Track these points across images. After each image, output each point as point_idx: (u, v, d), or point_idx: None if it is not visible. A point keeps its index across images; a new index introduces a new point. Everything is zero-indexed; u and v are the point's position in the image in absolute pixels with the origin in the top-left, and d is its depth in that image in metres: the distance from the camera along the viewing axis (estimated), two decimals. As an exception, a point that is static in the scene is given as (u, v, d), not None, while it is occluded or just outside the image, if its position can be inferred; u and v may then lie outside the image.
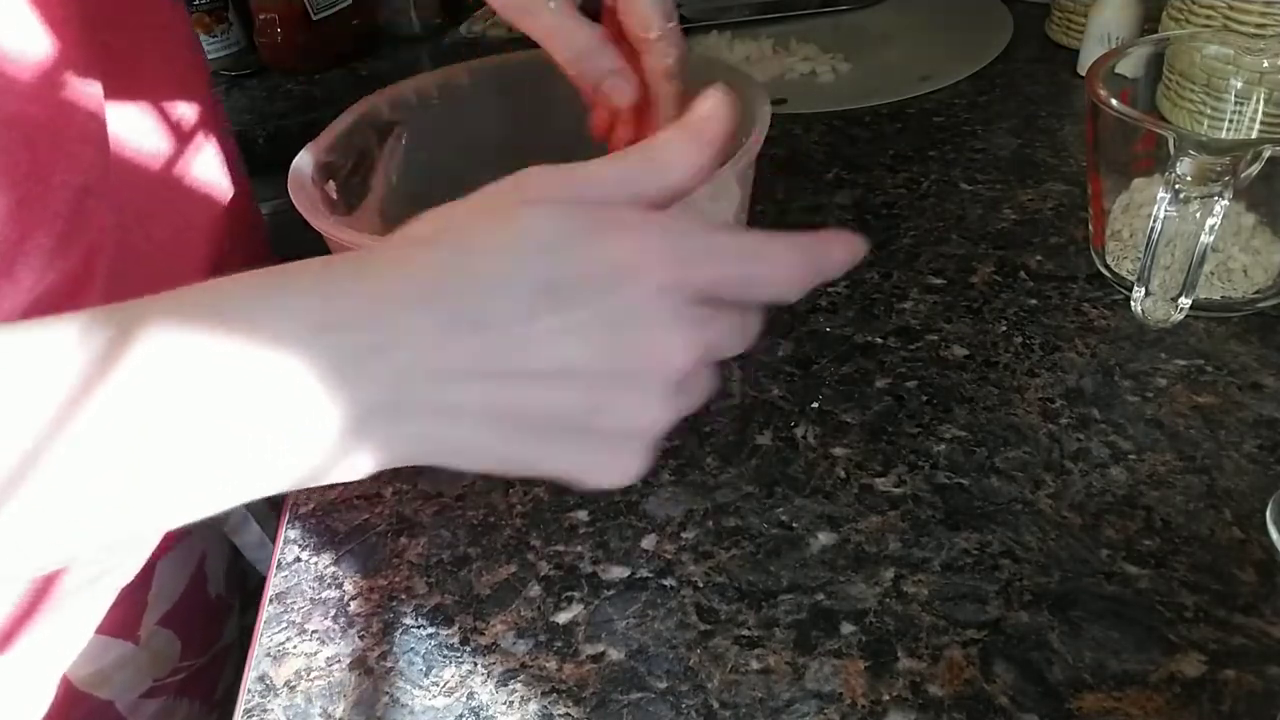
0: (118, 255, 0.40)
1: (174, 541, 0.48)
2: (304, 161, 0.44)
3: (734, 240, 0.28)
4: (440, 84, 0.50)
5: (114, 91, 0.40)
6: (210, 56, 0.93)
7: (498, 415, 0.26)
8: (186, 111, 0.46)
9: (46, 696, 0.43)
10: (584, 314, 0.25)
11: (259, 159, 0.80)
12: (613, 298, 0.25)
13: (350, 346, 0.24)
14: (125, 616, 0.46)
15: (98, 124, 0.39)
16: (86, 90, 0.38)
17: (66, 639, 0.44)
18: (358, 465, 0.25)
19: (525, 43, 0.47)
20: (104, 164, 0.40)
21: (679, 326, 0.26)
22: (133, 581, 0.45)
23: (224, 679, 0.54)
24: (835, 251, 0.29)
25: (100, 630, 0.45)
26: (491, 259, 0.25)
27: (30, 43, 0.36)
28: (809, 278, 0.29)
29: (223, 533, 0.53)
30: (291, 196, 0.41)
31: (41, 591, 0.41)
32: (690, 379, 0.27)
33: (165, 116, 0.45)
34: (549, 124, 0.50)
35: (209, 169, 0.48)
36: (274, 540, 0.53)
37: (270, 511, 0.55)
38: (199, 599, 0.51)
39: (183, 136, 0.46)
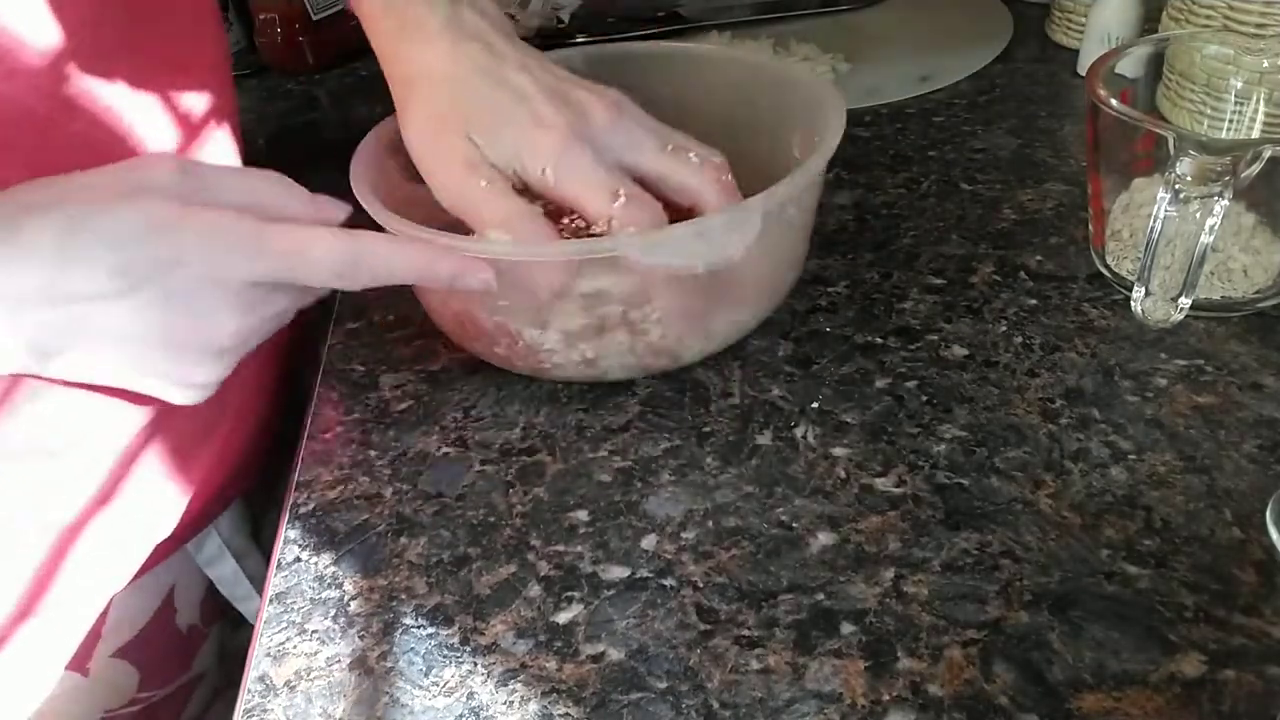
0: None
1: (139, 574, 0.47)
2: (377, 136, 0.45)
3: (279, 239, 0.34)
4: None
5: (137, 80, 0.40)
6: (210, 56, 0.93)
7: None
8: (207, 110, 0.46)
9: None
10: (142, 296, 0.33)
11: (259, 159, 0.80)
12: (165, 286, 0.33)
13: None
14: (77, 649, 0.45)
15: (113, 122, 0.39)
16: (103, 88, 0.38)
17: (35, 673, 0.43)
18: None
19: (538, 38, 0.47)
20: (117, 151, 0.39)
21: (221, 312, 0.34)
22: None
23: (191, 709, 0.53)
24: (387, 255, 0.36)
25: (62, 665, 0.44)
26: (86, 244, 0.32)
27: (44, 33, 0.36)
28: (355, 275, 0.36)
29: (196, 565, 0.52)
30: (351, 177, 0.42)
31: (12, 622, 0.41)
32: (239, 349, 0.36)
33: (187, 114, 0.45)
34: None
35: (224, 160, 0.48)
36: (253, 577, 0.53)
37: (253, 546, 0.54)
38: (164, 631, 0.50)
39: (199, 128, 0.46)
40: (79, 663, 0.46)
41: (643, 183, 0.40)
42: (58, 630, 0.44)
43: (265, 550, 0.55)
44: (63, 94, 0.37)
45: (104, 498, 0.42)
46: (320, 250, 0.35)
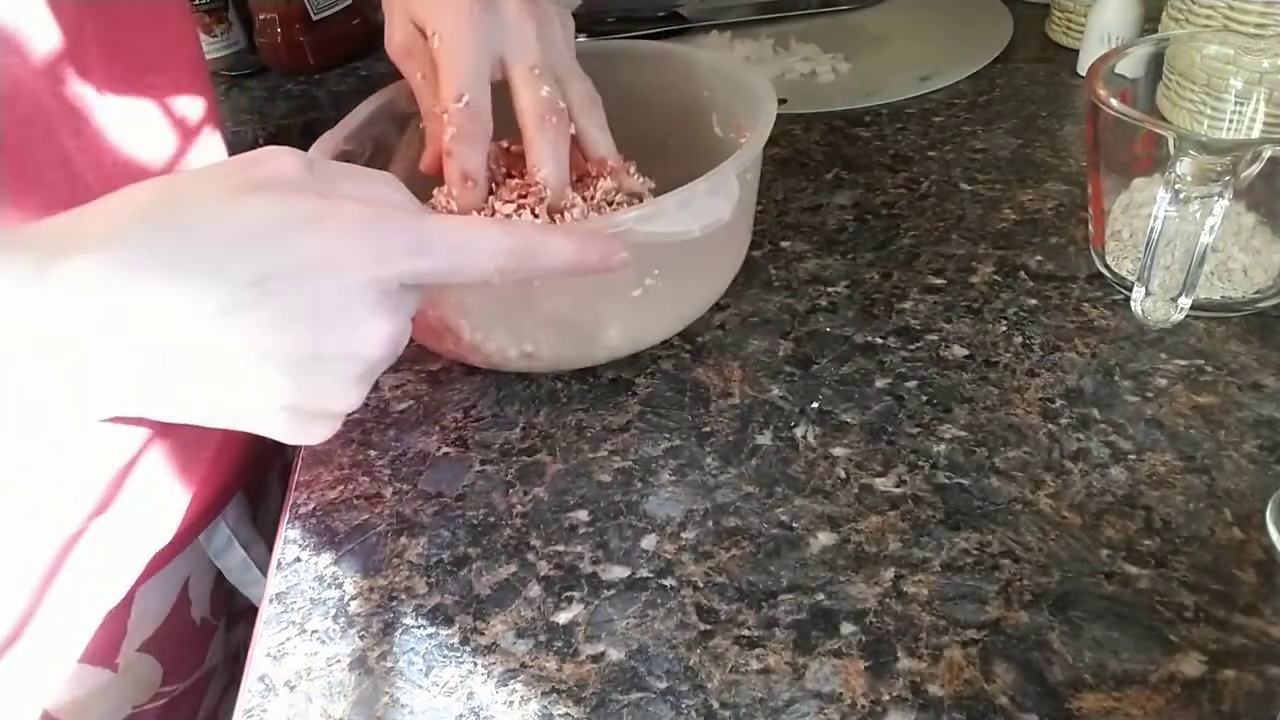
0: None
1: (157, 566, 0.47)
2: (321, 149, 0.44)
3: (442, 234, 0.30)
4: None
5: (117, 87, 0.40)
6: (210, 56, 0.93)
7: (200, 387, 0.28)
8: (188, 109, 0.46)
9: None
10: (286, 306, 0.27)
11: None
12: (313, 291, 0.28)
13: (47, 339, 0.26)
14: (104, 644, 0.45)
15: (99, 120, 0.39)
16: (89, 84, 0.38)
17: (51, 666, 0.43)
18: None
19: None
20: (99, 163, 0.40)
21: (374, 318, 0.29)
22: (112, 609, 0.45)
23: (206, 703, 0.54)
24: (553, 246, 0.33)
25: (79, 659, 0.44)
26: (204, 248, 0.26)
27: (41, 32, 0.36)
28: (519, 271, 0.32)
29: (207, 556, 0.52)
30: None
31: (22, 623, 0.41)
32: (384, 362, 0.31)
33: (167, 113, 0.45)
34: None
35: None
36: (260, 564, 0.53)
37: (257, 535, 0.54)
38: (182, 623, 0.51)
39: (183, 134, 0.46)
40: (108, 658, 0.46)
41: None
42: (65, 632, 0.44)
43: (267, 536, 0.55)
44: (64, 89, 0.37)
45: (106, 504, 0.42)
46: (487, 243, 0.31)
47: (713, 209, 0.38)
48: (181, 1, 0.48)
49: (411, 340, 0.49)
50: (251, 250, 0.27)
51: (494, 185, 0.44)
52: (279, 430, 0.30)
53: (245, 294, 0.27)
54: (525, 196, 0.42)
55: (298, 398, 0.29)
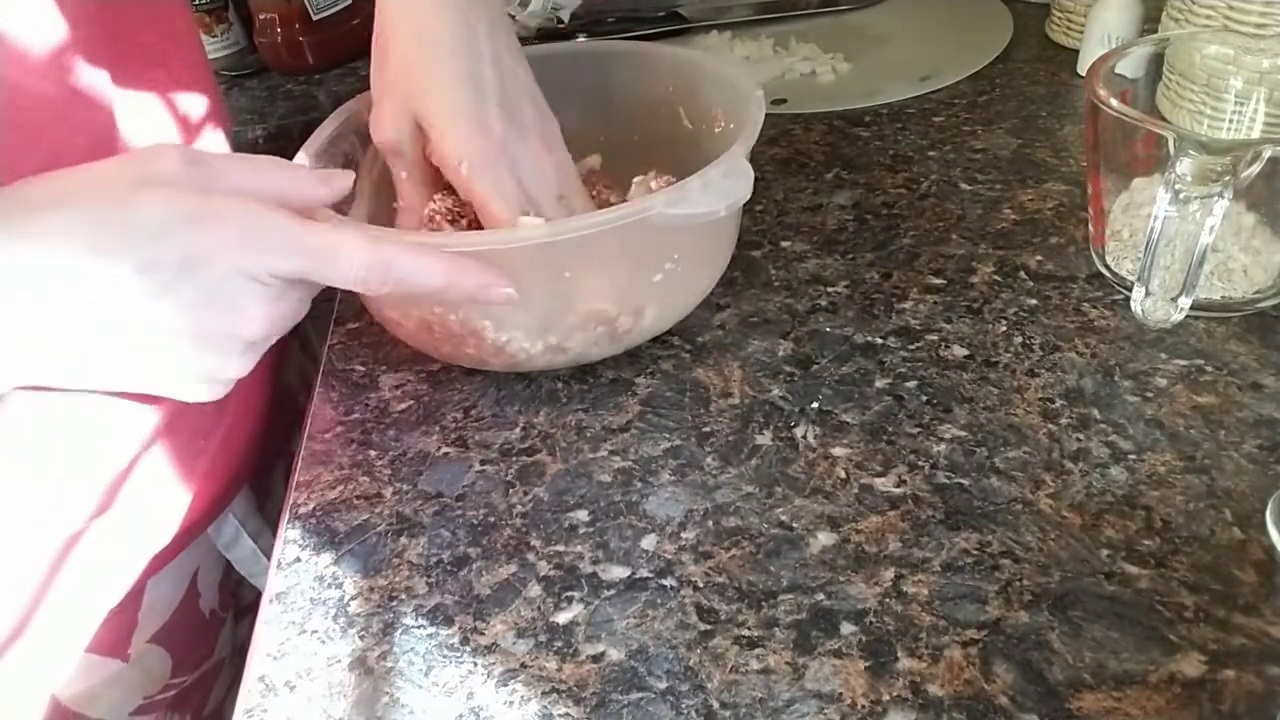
0: None
1: (167, 558, 0.47)
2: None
3: (313, 237, 0.34)
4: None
5: (119, 81, 0.40)
6: (210, 56, 0.93)
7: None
8: (189, 105, 0.46)
9: (35, 717, 0.43)
10: (171, 292, 0.32)
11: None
12: (200, 276, 0.32)
13: None
14: (115, 635, 0.45)
15: (105, 113, 0.39)
16: (95, 77, 0.38)
17: (56, 658, 0.43)
18: None
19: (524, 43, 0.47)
20: (105, 148, 0.40)
21: (251, 304, 0.34)
22: (123, 600, 0.45)
23: (215, 694, 0.54)
24: (419, 265, 0.36)
25: (89, 649, 0.44)
26: (103, 238, 0.31)
27: (44, 27, 0.36)
28: (381, 284, 0.35)
29: (215, 547, 0.52)
30: None
31: (30, 610, 0.41)
32: (267, 339, 0.36)
33: (169, 109, 0.45)
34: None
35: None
36: (269, 553, 0.54)
37: (264, 526, 0.55)
38: (191, 615, 0.51)
39: (185, 130, 0.46)
40: (119, 649, 0.46)
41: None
42: (70, 626, 0.44)
43: (274, 527, 0.55)
44: (68, 84, 0.37)
45: (109, 501, 0.42)
46: (350, 253, 0.34)
47: (733, 189, 0.40)
48: (181, 5, 0.48)
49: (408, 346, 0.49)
50: (140, 245, 0.31)
51: None
52: (181, 391, 0.36)
53: (138, 282, 0.31)
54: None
55: (194, 367, 0.35)
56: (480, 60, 0.43)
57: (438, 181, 0.45)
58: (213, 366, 0.35)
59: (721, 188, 0.40)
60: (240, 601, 0.56)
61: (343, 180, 0.38)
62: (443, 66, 0.42)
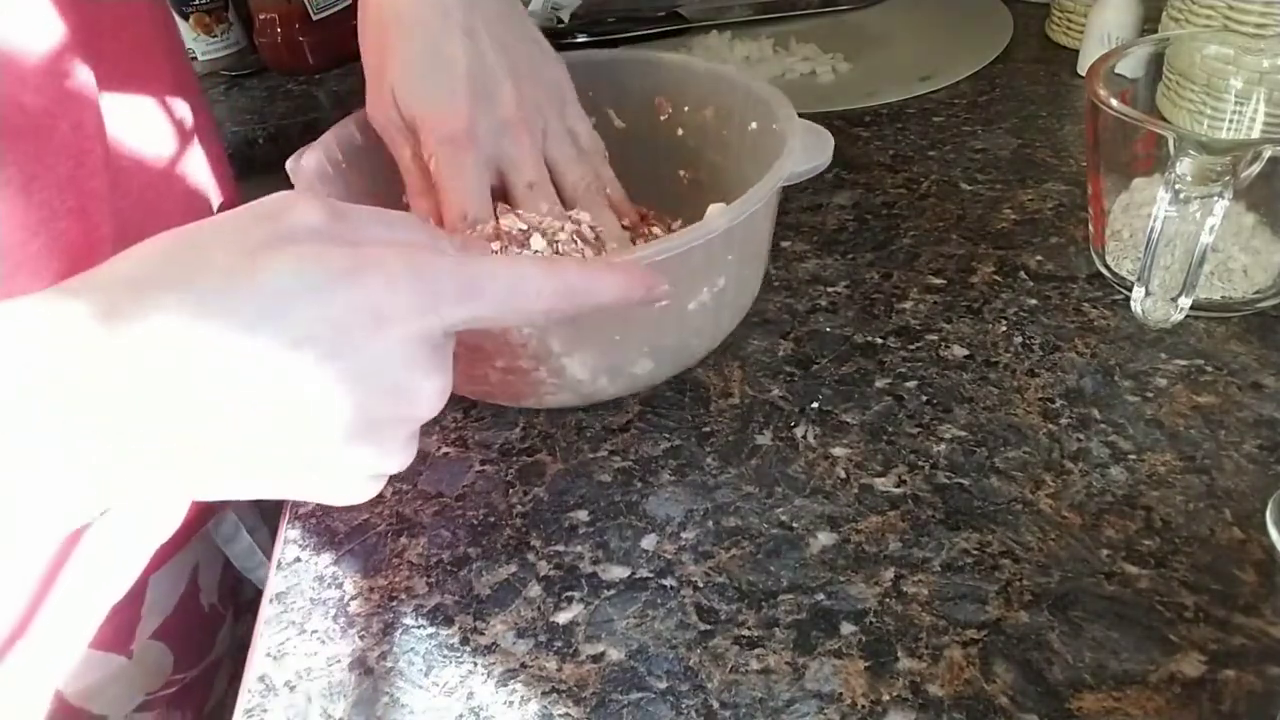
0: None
1: (169, 554, 0.47)
2: (306, 169, 0.44)
3: (490, 277, 0.28)
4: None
5: (103, 84, 0.40)
6: (210, 56, 0.93)
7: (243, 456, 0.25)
8: (176, 117, 0.46)
9: (39, 712, 0.43)
10: (326, 371, 0.24)
11: (259, 159, 0.80)
12: (356, 351, 0.25)
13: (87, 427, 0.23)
14: (118, 630, 0.45)
15: (94, 115, 0.39)
16: (84, 83, 0.38)
17: (60, 654, 0.43)
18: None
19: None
20: (103, 160, 0.39)
21: (424, 376, 0.27)
22: (126, 595, 0.45)
23: (215, 691, 0.54)
24: (599, 283, 0.31)
25: (92, 645, 0.44)
26: (236, 318, 0.23)
27: (33, 33, 0.36)
28: (566, 312, 0.30)
29: (215, 543, 0.52)
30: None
31: (34, 606, 0.41)
32: (430, 417, 0.28)
33: (155, 122, 0.45)
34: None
35: (198, 175, 0.48)
36: (265, 549, 0.54)
37: (261, 521, 0.55)
38: (192, 611, 0.51)
39: (172, 143, 0.46)
40: (122, 645, 0.46)
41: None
42: (74, 623, 0.44)
43: (271, 523, 0.55)
44: (56, 92, 0.37)
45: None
46: (534, 284, 0.29)
47: (824, 143, 0.41)
48: (153, 3, 0.47)
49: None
50: (283, 314, 0.24)
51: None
52: (323, 494, 0.28)
53: (289, 358, 0.24)
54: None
55: (354, 461, 0.27)
56: (448, 36, 0.40)
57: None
58: (377, 460, 0.27)
59: (816, 144, 0.41)
60: (240, 598, 0.56)
61: (480, 246, 0.35)
62: (406, 45, 0.40)
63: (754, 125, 0.48)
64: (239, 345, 0.23)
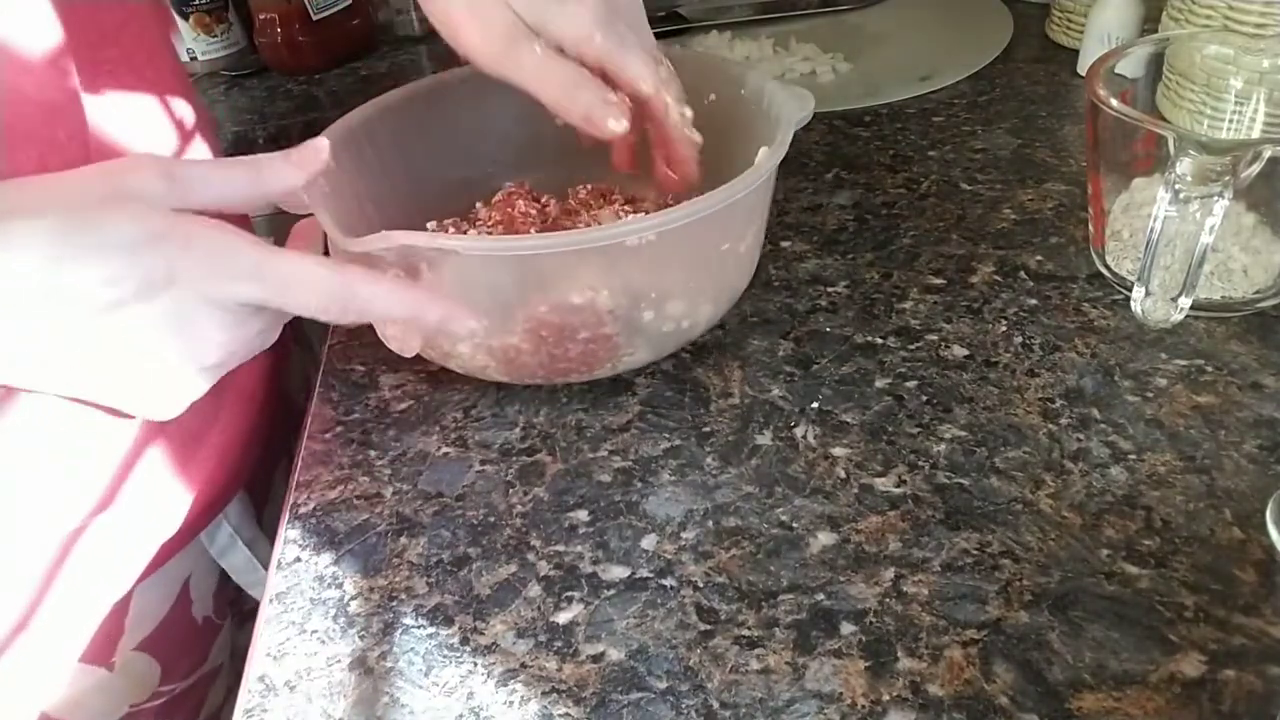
0: None
1: (156, 565, 0.47)
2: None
3: (274, 266, 0.34)
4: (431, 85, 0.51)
5: (93, 85, 0.40)
6: (210, 56, 0.93)
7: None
8: (169, 116, 0.46)
9: None
10: (138, 308, 0.31)
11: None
12: (161, 297, 0.32)
13: None
14: (100, 643, 0.45)
15: (83, 114, 0.39)
16: (75, 78, 0.38)
17: (49, 667, 0.43)
18: None
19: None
20: (85, 155, 0.39)
21: (211, 330, 0.34)
22: (111, 607, 0.45)
23: (209, 702, 0.53)
24: (379, 298, 0.36)
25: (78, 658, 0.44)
26: (69, 248, 0.30)
27: (41, 33, 0.36)
28: (341, 313, 0.35)
29: (210, 555, 0.52)
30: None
31: (23, 621, 0.41)
32: (224, 365, 0.36)
33: (151, 127, 0.45)
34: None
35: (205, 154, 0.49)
36: (264, 561, 0.53)
37: (260, 532, 0.54)
38: (182, 622, 0.50)
39: (170, 147, 0.46)
40: (103, 657, 0.46)
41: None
42: (65, 631, 0.44)
43: (270, 534, 0.55)
44: (63, 89, 0.37)
45: (105, 502, 0.42)
46: (313, 283, 0.34)
47: (805, 97, 0.44)
48: (142, 5, 0.47)
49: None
50: (109, 256, 0.31)
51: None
52: (135, 406, 0.35)
53: (104, 293, 0.31)
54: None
55: (148, 386, 0.34)
56: None
57: None
58: (169, 389, 0.35)
59: (796, 93, 0.44)
60: (243, 607, 0.56)
61: (313, 154, 0.38)
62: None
63: (713, 97, 0.49)
64: (65, 268, 0.30)
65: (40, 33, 0.36)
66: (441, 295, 0.37)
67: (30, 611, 0.41)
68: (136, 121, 0.44)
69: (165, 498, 0.46)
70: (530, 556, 0.38)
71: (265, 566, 0.54)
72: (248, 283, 0.33)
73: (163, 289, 0.32)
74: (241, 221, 0.55)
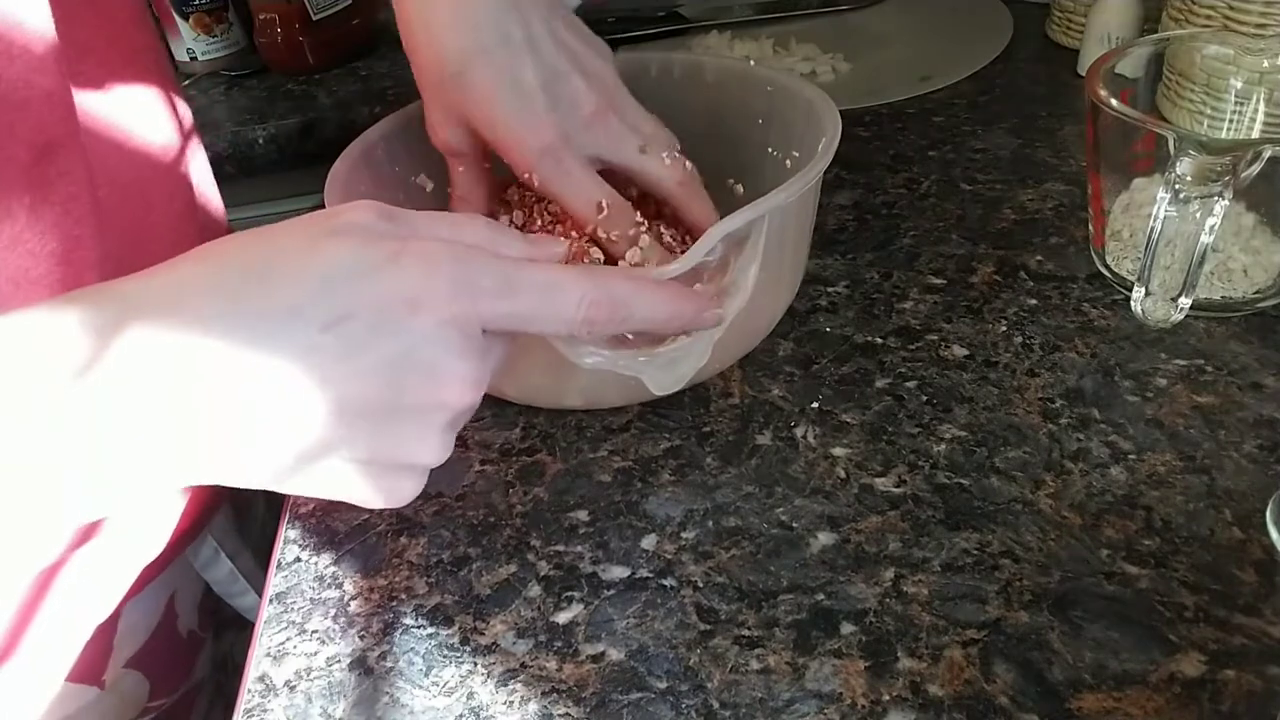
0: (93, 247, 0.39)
1: (144, 582, 0.46)
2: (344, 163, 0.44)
3: (528, 276, 0.29)
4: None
5: (82, 81, 0.40)
6: (210, 57, 0.93)
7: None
8: (152, 112, 0.46)
9: None
10: (362, 351, 0.26)
11: (259, 159, 0.80)
12: (391, 334, 0.27)
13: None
14: (91, 661, 0.45)
15: (61, 85, 0.39)
16: (48, 53, 0.38)
17: (35, 691, 0.43)
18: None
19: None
20: (70, 127, 0.39)
21: (457, 362, 0.28)
22: (98, 626, 0.44)
23: (196, 713, 0.53)
24: (644, 299, 0.32)
25: (65, 677, 0.44)
26: (287, 290, 0.26)
27: (32, 20, 0.35)
28: (605, 323, 0.31)
29: (193, 569, 0.52)
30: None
31: (9, 645, 0.40)
32: (467, 412, 0.30)
33: (128, 114, 0.44)
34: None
35: (184, 183, 0.48)
36: (247, 574, 0.53)
37: (243, 545, 0.54)
38: (169, 637, 0.50)
39: (147, 136, 0.46)
40: (94, 675, 0.45)
41: (616, 173, 0.42)
42: (53, 653, 0.43)
43: (253, 546, 0.55)
44: (55, 77, 0.37)
45: (88, 534, 0.42)
46: (575, 290, 0.30)
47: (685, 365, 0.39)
48: (140, 14, 0.47)
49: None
50: (326, 294, 0.26)
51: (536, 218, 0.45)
52: (357, 489, 0.29)
53: (319, 340, 0.26)
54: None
55: (376, 451, 0.28)
56: (515, 58, 0.38)
57: (493, 177, 0.44)
58: (409, 448, 0.28)
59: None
60: (221, 616, 0.55)
61: (552, 247, 0.34)
62: (476, 74, 0.39)
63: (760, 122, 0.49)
64: (278, 317, 0.25)
65: (26, 22, 0.36)
66: (690, 290, 0.34)
67: (14, 638, 0.41)
68: (125, 131, 0.43)
69: (152, 521, 0.46)
70: (530, 556, 0.38)
71: (247, 578, 0.54)
72: (504, 298, 0.29)
73: (402, 319, 0.27)
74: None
